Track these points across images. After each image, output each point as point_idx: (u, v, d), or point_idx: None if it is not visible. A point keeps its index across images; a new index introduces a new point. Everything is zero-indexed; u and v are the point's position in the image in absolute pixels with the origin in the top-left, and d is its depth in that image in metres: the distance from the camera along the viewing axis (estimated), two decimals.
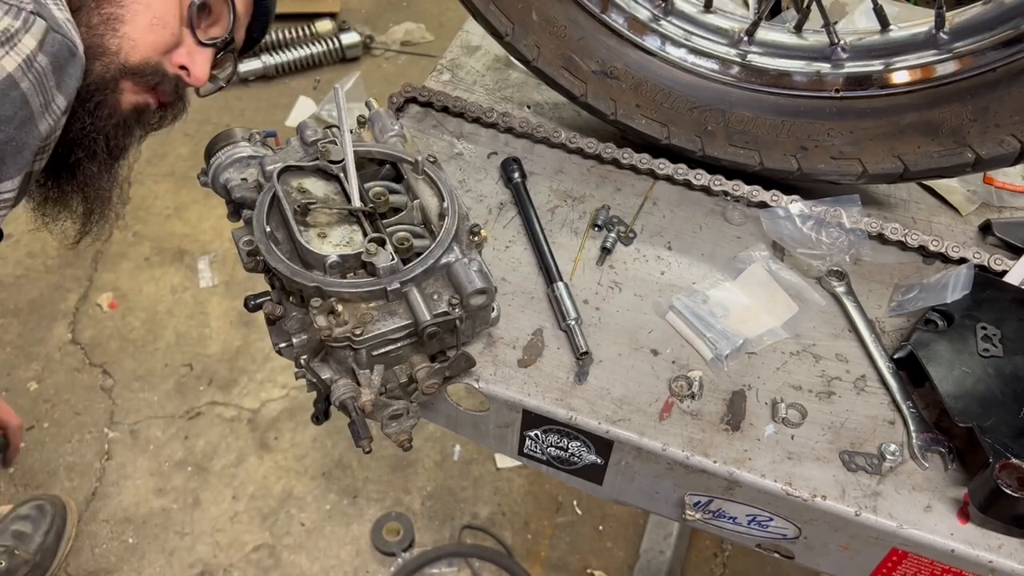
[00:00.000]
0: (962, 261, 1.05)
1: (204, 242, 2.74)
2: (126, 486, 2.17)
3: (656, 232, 1.10)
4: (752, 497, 0.88)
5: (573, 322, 0.96)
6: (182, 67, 1.02)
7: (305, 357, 0.85)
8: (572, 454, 0.96)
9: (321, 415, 0.97)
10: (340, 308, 0.80)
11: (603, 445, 0.92)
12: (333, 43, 3.39)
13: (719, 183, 1.11)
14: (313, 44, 3.39)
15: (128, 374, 2.39)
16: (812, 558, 0.94)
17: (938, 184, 1.17)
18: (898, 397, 0.93)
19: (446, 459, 2.26)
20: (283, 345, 0.88)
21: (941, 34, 1.01)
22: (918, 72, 1.02)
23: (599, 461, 0.95)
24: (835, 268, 1.04)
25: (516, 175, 1.13)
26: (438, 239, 0.85)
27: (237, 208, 0.95)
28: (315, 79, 3.38)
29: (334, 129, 0.95)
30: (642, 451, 0.90)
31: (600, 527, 2.15)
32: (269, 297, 0.90)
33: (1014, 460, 0.80)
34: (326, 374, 0.85)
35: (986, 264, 1.04)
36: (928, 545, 0.83)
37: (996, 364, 0.90)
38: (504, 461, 2.25)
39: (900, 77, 1.03)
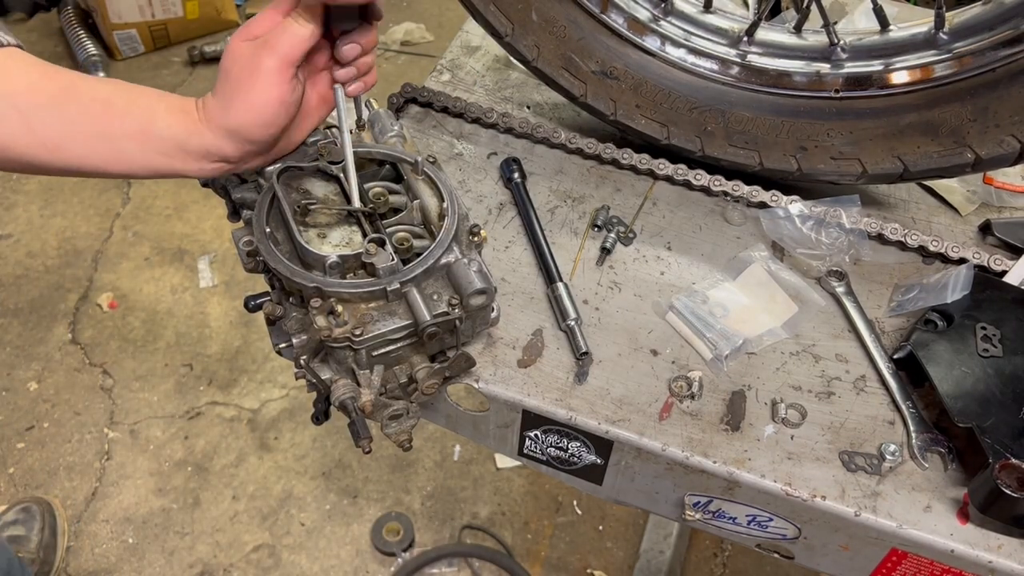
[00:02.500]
0: (962, 261, 1.05)
1: (204, 242, 2.74)
2: (126, 486, 2.17)
3: (656, 232, 1.10)
4: (752, 497, 0.88)
5: (573, 322, 0.96)
6: None
7: (305, 357, 0.85)
8: (572, 454, 0.96)
9: (321, 415, 0.97)
10: (340, 308, 0.80)
11: (603, 445, 0.92)
12: None
13: (719, 183, 1.11)
14: None
15: (128, 374, 2.39)
16: (812, 558, 0.94)
17: (938, 184, 1.17)
18: (898, 397, 0.93)
19: (446, 459, 2.26)
20: (283, 345, 0.88)
21: (941, 34, 1.01)
22: (918, 72, 1.02)
23: (599, 461, 0.95)
24: (835, 268, 1.04)
25: (516, 175, 1.13)
26: (438, 239, 0.85)
27: (237, 208, 0.95)
28: None
29: (334, 129, 0.95)
30: (642, 451, 0.90)
31: (600, 527, 2.15)
32: (269, 297, 0.90)
33: (1014, 460, 0.80)
34: (326, 374, 0.85)
35: (986, 264, 1.04)
36: (928, 545, 0.83)
37: (996, 364, 0.90)
38: (504, 461, 2.25)
39: (900, 77, 1.03)
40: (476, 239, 0.90)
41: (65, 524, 2.06)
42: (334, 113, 0.91)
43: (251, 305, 0.91)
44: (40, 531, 1.96)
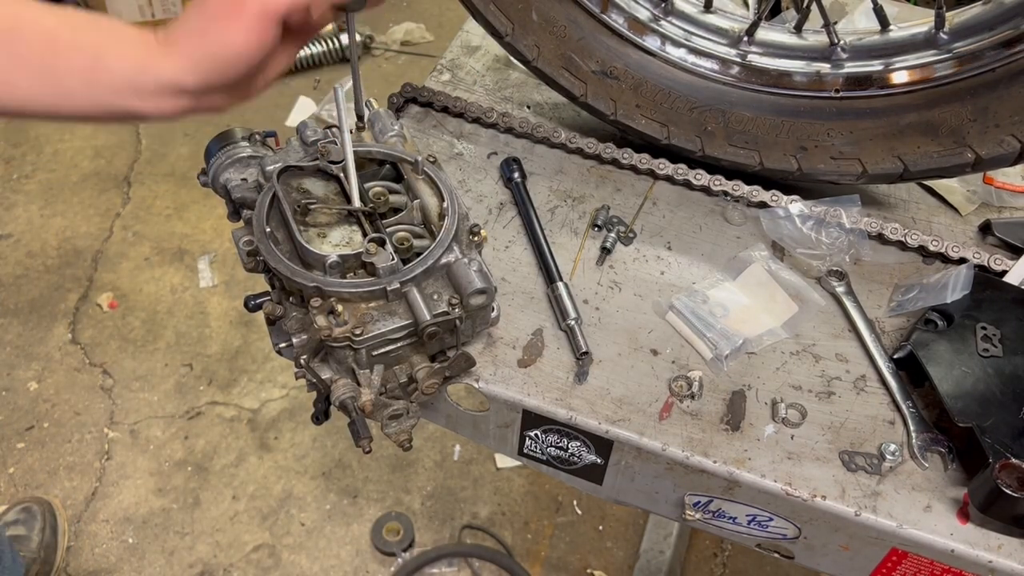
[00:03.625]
0: (962, 261, 1.05)
1: (204, 242, 2.74)
2: (126, 486, 2.17)
3: (656, 232, 1.10)
4: (752, 497, 0.88)
5: (573, 322, 0.96)
6: None
7: (305, 357, 0.85)
8: (572, 454, 0.96)
9: (321, 415, 0.97)
10: (340, 308, 0.80)
11: (603, 445, 0.92)
12: (333, 43, 3.39)
13: (719, 183, 1.11)
14: (313, 44, 3.39)
15: (128, 374, 2.39)
16: (812, 558, 0.94)
17: (938, 184, 1.17)
18: (898, 397, 0.93)
19: (446, 459, 2.26)
20: (283, 345, 0.88)
21: (941, 34, 1.01)
22: (918, 72, 1.02)
23: (599, 461, 0.95)
24: (835, 268, 1.04)
25: (516, 175, 1.13)
26: (438, 239, 0.85)
27: (237, 208, 0.95)
28: (315, 79, 3.38)
29: (334, 129, 0.95)
30: (642, 451, 0.90)
31: (600, 527, 2.15)
32: (269, 297, 0.90)
33: (1014, 460, 0.80)
34: (326, 374, 0.85)
35: (986, 264, 1.04)
36: (928, 545, 0.83)
37: (996, 364, 0.90)
38: (504, 461, 2.25)
39: (900, 77, 1.03)
40: (476, 239, 0.90)
41: (65, 524, 2.06)
42: (334, 113, 0.91)
43: (251, 305, 0.91)
44: (41, 531, 1.96)
